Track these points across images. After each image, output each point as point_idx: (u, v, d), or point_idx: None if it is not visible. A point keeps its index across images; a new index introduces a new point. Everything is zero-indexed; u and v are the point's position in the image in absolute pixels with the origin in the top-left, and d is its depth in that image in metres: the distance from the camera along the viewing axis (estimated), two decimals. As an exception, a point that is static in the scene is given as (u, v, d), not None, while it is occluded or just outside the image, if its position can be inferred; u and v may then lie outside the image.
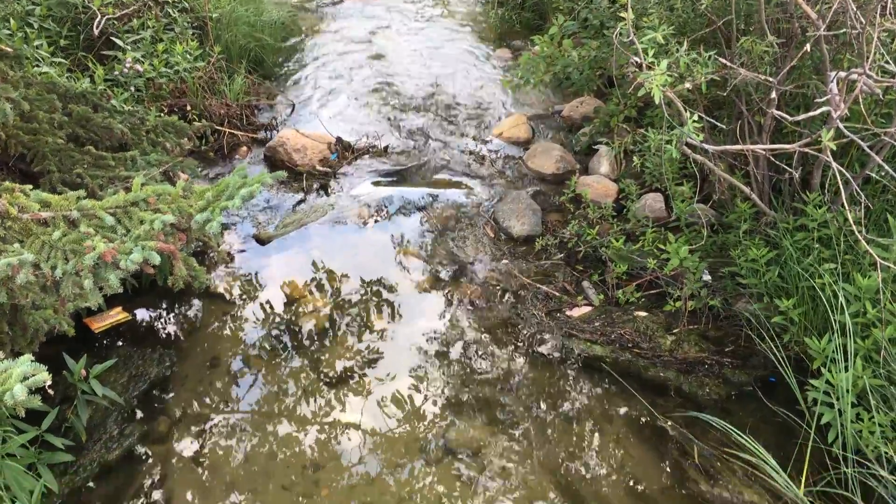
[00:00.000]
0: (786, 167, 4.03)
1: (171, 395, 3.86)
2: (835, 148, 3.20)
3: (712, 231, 4.57)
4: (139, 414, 3.73)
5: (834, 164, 3.20)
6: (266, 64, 7.61)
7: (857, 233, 3.16)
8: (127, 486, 3.38)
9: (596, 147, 6.05)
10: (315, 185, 5.87)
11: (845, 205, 3.19)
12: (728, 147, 3.89)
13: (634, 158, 5.37)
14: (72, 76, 5.73)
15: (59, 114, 4.26)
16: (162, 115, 5.51)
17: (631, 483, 3.43)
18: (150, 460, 3.52)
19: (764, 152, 3.82)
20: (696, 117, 3.47)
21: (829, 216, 3.75)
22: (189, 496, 3.35)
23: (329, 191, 5.82)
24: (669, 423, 3.69)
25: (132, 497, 3.34)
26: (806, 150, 3.44)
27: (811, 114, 3.40)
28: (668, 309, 4.29)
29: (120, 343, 4.14)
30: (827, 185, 4.00)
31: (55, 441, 3.30)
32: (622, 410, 3.82)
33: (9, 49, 4.35)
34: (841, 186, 3.20)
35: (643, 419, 3.76)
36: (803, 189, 4.10)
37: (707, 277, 4.39)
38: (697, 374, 3.96)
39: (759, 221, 4.30)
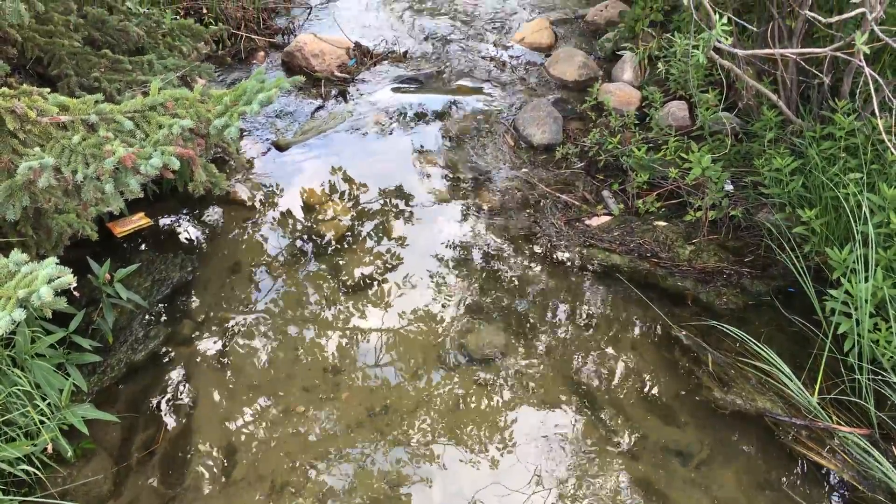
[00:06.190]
0: (816, 73, 3.91)
1: (194, 299, 3.93)
2: (868, 52, 3.09)
3: (736, 140, 4.48)
4: (163, 317, 3.81)
5: (867, 69, 3.09)
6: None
7: (886, 140, 3.08)
8: (154, 386, 3.49)
9: (620, 53, 5.89)
10: (333, 92, 5.79)
11: (875, 112, 3.11)
12: (757, 51, 3.77)
13: (659, 65, 5.24)
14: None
15: (74, 15, 4.19)
16: (178, 17, 5.42)
17: (645, 390, 3.49)
18: (176, 362, 3.61)
19: (794, 57, 3.71)
20: (725, 20, 3.35)
21: (857, 124, 3.66)
22: (214, 396, 3.45)
23: (348, 97, 5.75)
24: (684, 332, 3.72)
25: (159, 396, 3.44)
26: (838, 53, 3.33)
27: (845, 16, 3.27)
28: (688, 219, 4.26)
29: (143, 248, 4.19)
30: (857, 93, 3.89)
31: (82, 342, 3.38)
32: (638, 320, 3.85)
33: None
34: (872, 92, 3.11)
35: (659, 328, 3.79)
36: (832, 96, 3.99)
37: (729, 187, 4.34)
38: (715, 283, 3.96)
39: (785, 130, 4.21)
